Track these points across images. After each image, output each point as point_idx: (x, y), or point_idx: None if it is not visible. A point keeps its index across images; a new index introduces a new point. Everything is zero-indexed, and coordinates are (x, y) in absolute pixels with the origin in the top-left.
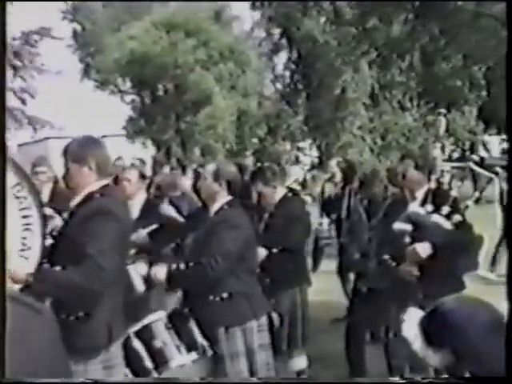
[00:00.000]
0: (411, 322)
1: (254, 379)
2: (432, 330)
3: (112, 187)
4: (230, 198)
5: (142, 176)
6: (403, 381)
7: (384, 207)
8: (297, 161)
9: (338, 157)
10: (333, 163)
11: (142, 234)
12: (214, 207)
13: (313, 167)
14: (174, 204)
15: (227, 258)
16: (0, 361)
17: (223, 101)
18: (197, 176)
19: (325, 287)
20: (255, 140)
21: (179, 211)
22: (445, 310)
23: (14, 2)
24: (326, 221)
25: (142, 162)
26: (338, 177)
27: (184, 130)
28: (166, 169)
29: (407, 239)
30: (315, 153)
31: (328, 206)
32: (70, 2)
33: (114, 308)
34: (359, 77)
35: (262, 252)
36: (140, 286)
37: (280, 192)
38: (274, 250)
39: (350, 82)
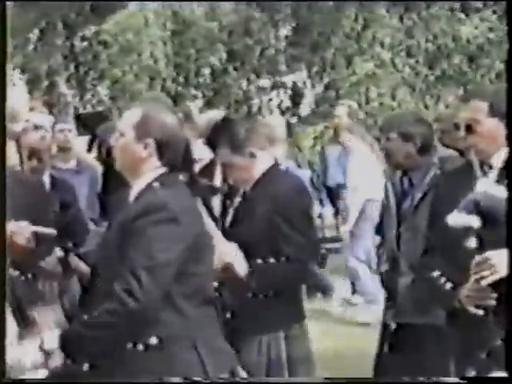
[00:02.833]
0: None
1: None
2: None
3: None
4: (162, 170)
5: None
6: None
7: (427, 185)
8: (280, 107)
9: (350, 98)
10: (341, 110)
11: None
12: (136, 187)
13: (306, 118)
14: (62, 182)
15: (158, 276)
16: (0, 361)
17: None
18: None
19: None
20: (207, 71)
21: (70, 195)
22: None
23: None
24: (329, 210)
25: None
26: (352, 134)
27: (80, 51)
28: (45, 118)
29: (473, 242)
30: (309, 93)
31: (333, 184)
32: None
33: None
34: None
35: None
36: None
37: (262, 162)
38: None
39: None
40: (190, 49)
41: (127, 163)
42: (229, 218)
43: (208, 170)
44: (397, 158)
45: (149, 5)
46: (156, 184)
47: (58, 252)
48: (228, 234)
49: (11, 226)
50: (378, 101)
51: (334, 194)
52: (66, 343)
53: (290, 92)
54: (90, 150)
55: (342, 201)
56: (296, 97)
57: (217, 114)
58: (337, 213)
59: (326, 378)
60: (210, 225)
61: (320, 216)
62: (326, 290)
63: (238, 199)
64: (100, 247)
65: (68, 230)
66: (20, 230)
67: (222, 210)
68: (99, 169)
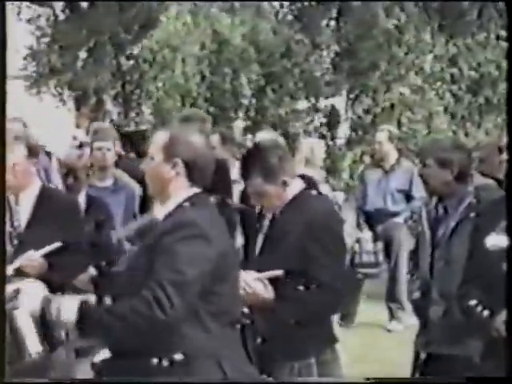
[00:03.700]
0: None
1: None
2: None
3: None
4: (194, 190)
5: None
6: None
7: (462, 213)
8: (318, 131)
9: (389, 123)
10: (382, 135)
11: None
12: (166, 208)
13: (348, 141)
14: (97, 201)
15: (185, 292)
16: (0, 361)
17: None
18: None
19: (366, 352)
20: (247, 93)
21: (105, 214)
22: None
23: None
24: (368, 235)
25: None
26: (391, 157)
27: (126, 69)
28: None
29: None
30: (347, 117)
31: (371, 209)
32: None
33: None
34: None
35: (256, 286)
36: (34, 345)
37: (293, 187)
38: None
39: None
40: (225, 68)
41: (157, 185)
42: (258, 245)
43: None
44: (433, 185)
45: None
46: (186, 204)
47: (92, 270)
48: (257, 262)
49: (20, 261)
50: (412, 126)
51: (372, 219)
52: (83, 320)
53: (327, 116)
54: None
55: (381, 226)
56: (333, 121)
57: (265, 136)
58: (375, 238)
59: None
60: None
61: (358, 241)
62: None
63: (266, 223)
64: (129, 267)
65: (102, 248)
66: (28, 262)
67: (250, 235)
68: (136, 188)
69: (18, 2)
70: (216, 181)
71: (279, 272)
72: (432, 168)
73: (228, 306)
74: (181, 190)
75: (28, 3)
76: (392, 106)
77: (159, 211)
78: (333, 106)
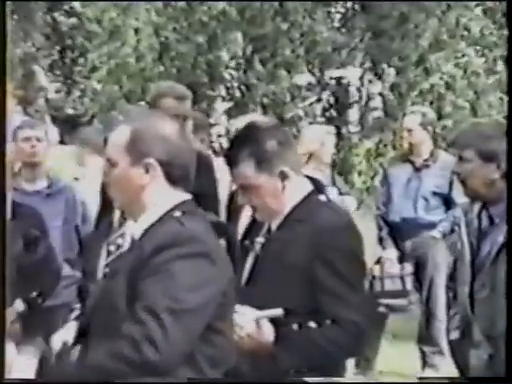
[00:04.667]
0: None
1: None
2: None
3: None
4: (182, 196)
5: None
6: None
7: None
8: (325, 115)
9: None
10: (413, 119)
11: None
12: (142, 222)
13: (362, 126)
14: (26, 210)
15: (186, 323)
16: (0, 361)
17: None
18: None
19: None
20: (229, 65)
21: (37, 227)
22: None
23: None
24: (392, 254)
25: None
26: (424, 149)
27: (65, 33)
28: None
29: None
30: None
31: (398, 219)
32: None
33: None
34: None
35: (253, 328)
36: None
37: (295, 188)
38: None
39: None
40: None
41: (128, 197)
42: (247, 269)
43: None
44: (474, 185)
45: None
46: (177, 213)
47: (19, 305)
48: (244, 294)
49: None
50: (454, 109)
51: (398, 233)
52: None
53: (336, 94)
54: None
55: (410, 241)
56: (344, 100)
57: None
58: (402, 258)
59: None
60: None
61: (379, 262)
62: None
63: (259, 240)
64: (98, 302)
65: (34, 274)
66: None
67: (239, 257)
68: (80, 190)
69: None
70: (199, 183)
71: (279, 311)
72: (472, 162)
73: (226, 350)
74: (162, 196)
75: None
76: (426, 80)
77: (134, 228)
78: (342, 81)
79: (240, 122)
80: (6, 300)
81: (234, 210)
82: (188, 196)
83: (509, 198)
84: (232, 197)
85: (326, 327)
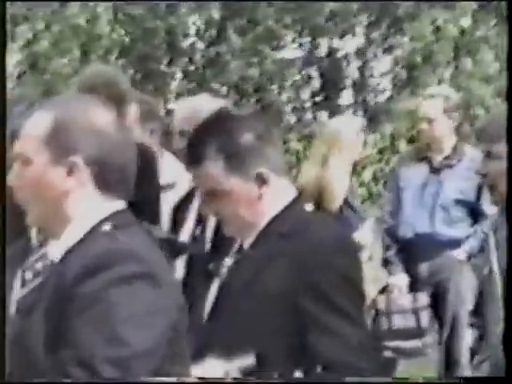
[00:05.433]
0: None
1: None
2: None
3: None
4: (113, 206)
5: None
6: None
7: None
8: (314, 98)
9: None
10: (433, 105)
11: None
12: (66, 237)
13: (365, 112)
14: None
15: (126, 375)
16: (0, 361)
17: None
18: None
19: None
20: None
21: None
22: None
23: None
24: (403, 280)
25: None
26: (446, 142)
27: None
28: None
29: None
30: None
31: (410, 234)
32: None
33: None
34: None
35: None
36: None
37: (273, 196)
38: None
39: None
40: None
41: (43, 206)
42: (210, 300)
43: (184, 205)
44: (504, 188)
45: None
46: (106, 227)
47: None
48: (205, 332)
49: None
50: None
51: (411, 252)
52: None
53: (331, 70)
54: None
55: (427, 264)
56: (340, 79)
57: (206, 103)
58: (415, 285)
59: None
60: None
61: (385, 290)
62: None
63: (227, 261)
64: (9, 347)
65: None
66: None
67: (195, 283)
68: None
69: None
70: (139, 188)
71: (250, 360)
72: (503, 161)
73: None
74: (89, 207)
75: None
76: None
77: (53, 248)
78: (336, 55)
79: (182, 105)
80: (5, 300)
81: (179, 222)
82: (121, 205)
83: (509, 199)
84: (178, 205)
85: (317, 376)
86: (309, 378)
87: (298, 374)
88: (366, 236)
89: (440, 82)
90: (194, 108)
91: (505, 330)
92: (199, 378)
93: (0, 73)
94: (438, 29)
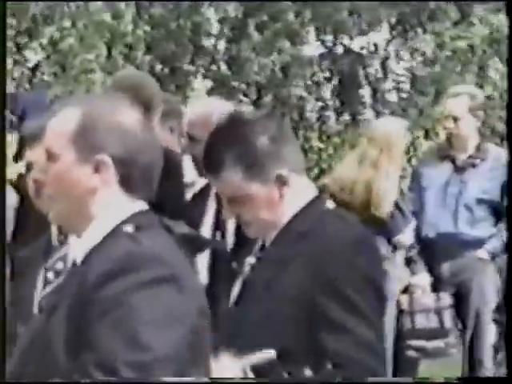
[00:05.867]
0: None
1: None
2: None
3: None
4: (137, 206)
5: None
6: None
7: None
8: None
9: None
10: (458, 103)
11: None
12: (85, 241)
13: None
14: None
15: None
16: (0, 361)
17: None
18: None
19: None
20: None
21: None
22: None
23: None
24: (425, 280)
25: None
26: (470, 141)
27: None
28: None
29: None
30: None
31: (433, 234)
32: None
33: None
34: None
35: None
36: None
37: (294, 196)
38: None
39: None
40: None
41: (70, 205)
42: (232, 297)
43: (200, 202)
44: None
45: None
46: (128, 228)
47: None
48: (230, 328)
49: None
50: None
51: (433, 252)
52: None
53: (352, 66)
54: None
55: (449, 264)
56: (361, 76)
57: (216, 107)
58: (438, 286)
59: None
60: None
61: (407, 291)
62: None
63: (249, 260)
64: (31, 346)
65: None
66: None
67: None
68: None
69: None
70: (164, 189)
71: (271, 353)
72: None
73: None
74: (112, 206)
75: None
76: (471, 48)
77: (74, 248)
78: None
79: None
80: (5, 300)
81: (197, 217)
82: (144, 205)
83: (509, 199)
84: (195, 201)
85: (328, 373)
86: (320, 376)
87: (307, 372)
88: (408, 238)
89: (465, 81)
90: (203, 112)
91: (505, 329)
92: (210, 378)
93: (0, 73)
94: (471, 23)
